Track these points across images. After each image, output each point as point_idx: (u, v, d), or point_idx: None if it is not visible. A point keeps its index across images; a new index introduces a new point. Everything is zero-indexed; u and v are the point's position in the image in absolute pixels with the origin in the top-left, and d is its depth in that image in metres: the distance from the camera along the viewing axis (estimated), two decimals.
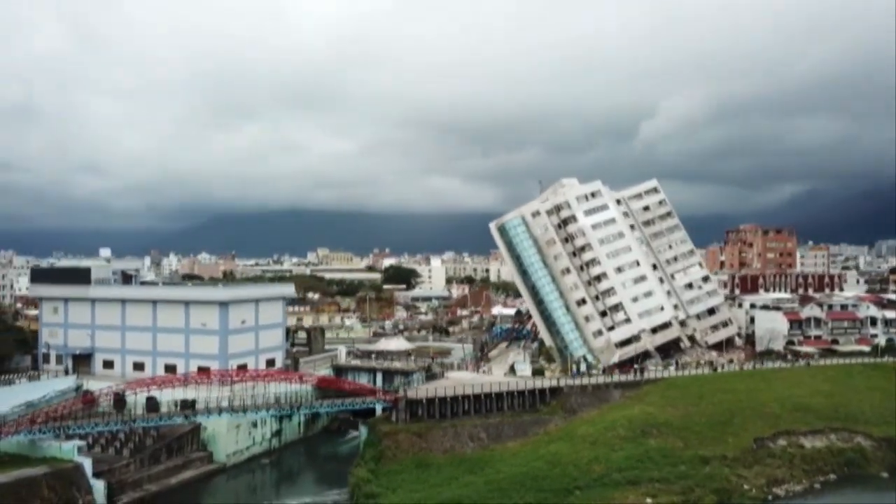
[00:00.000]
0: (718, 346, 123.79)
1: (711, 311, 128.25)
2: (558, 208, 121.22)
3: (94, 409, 79.91)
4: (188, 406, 76.02)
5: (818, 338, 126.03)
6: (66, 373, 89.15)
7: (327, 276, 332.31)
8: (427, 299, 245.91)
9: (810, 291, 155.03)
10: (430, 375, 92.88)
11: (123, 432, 74.24)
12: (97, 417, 69.99)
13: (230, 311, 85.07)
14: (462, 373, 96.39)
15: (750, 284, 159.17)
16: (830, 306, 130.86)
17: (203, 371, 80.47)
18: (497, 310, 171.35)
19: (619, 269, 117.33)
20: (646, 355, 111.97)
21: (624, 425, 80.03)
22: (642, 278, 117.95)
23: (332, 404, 77.06)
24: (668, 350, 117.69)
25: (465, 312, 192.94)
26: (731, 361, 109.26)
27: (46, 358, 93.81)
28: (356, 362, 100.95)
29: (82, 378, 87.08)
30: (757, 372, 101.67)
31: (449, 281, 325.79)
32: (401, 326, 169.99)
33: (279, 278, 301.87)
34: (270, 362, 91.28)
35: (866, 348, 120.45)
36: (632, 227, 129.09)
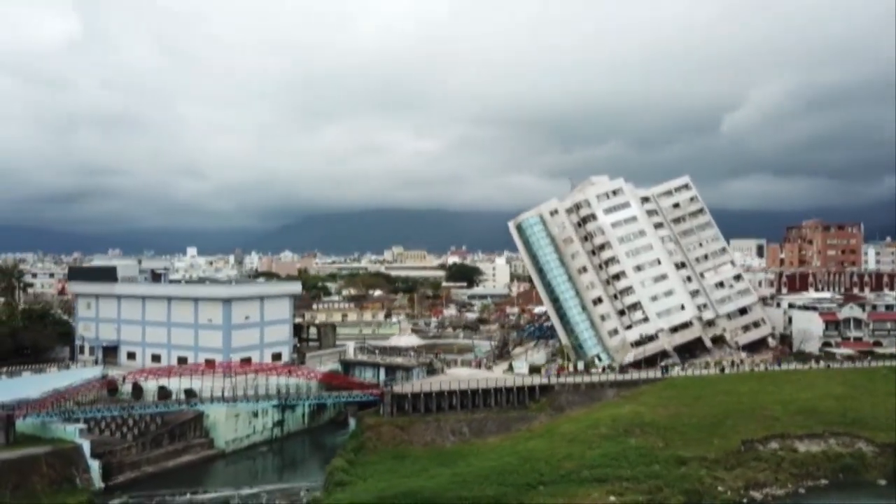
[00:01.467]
0: (750, 347, 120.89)
1: (743, 311, 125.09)
2: (578, 206, 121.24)
3: (116, 395, 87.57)
4: (191, 395, 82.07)
5: (858, 339, 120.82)
6: (95, 363, 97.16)
7: (398, 273, 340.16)
8: (483, 297, 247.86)
9: (866, 291, 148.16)
10: (431, 371, 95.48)
11: (133, 418, 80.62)
12: (104, 403, 76.53)
13: (233, 308, 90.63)
14: (464, 369, 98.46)
15: (798, 283, 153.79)
16: (874, 307, 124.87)
17: (208, 363, 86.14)
18: (540, 308, 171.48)
19: (639, 268, 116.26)
20: (664, 355, 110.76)
21: (607, 424, 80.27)
22: (663, 277, 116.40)
23: (320, 396, 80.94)
24: (693, 350, 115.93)
25: (513, 310, 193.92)
26: (753, 362, 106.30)
27: (81, 349, 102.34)
28: (362, 357, 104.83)
29: (108, 368, 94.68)
30: (769, 373, 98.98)
31: (517, 279, 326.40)
32: (445, 323, 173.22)
33: (351, 275, 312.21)
34: (277, 356, 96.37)
35: None
36: (659, 224, 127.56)
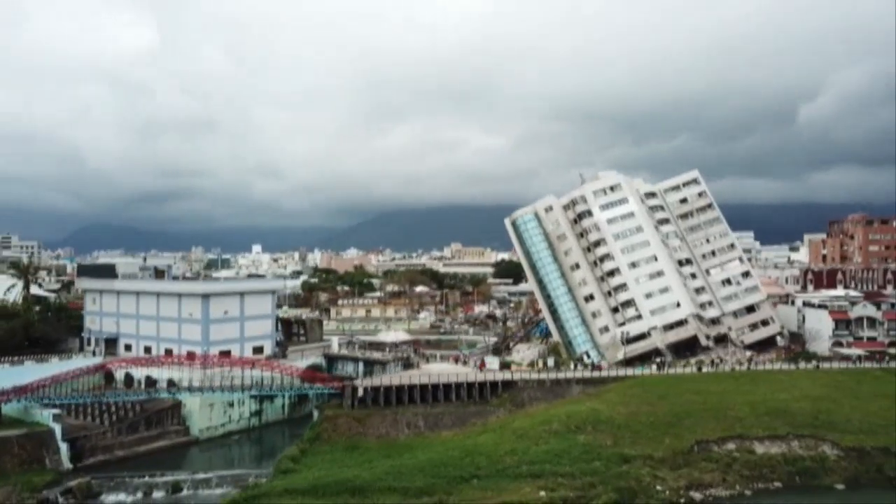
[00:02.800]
0: (758, 346, 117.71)
1: (751, 309, 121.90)
2: (574, 203, 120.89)
3: (113, 383, 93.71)
4: (171, 384, 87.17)
5: (872, 339, 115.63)
6: (94, 354, 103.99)
7: (451, 270, 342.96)
8: (524, 294, 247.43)
9: None
10: (407, 365, 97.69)
11: (116, 405, 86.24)
12: (99, 391, 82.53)
13: (211, 303, 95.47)
14: (440, 365, 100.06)
15: (826, 280, 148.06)
16: (893, 304, 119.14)
17: (189, 355, 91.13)
18: None
19: (634, 265, 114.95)
20: (656, 353, 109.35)
21: (561, 420, 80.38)
22: (659, 273, 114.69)
23: (283, 388, 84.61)
24: (694, 348, 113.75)
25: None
26: (739, 361, 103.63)
27: (88, 341, 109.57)
28: (345, 352, 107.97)
29: (108, 359, 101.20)
30: (749, 373, 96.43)
31: None
32: (471, 320, 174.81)
33: (407, 271, 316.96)
34: (258, 350, 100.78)
35: None
36: (664, 220, 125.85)
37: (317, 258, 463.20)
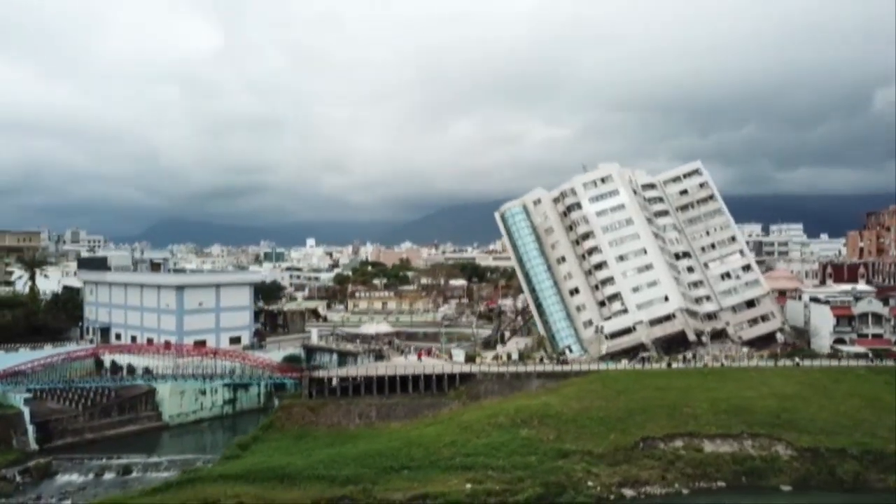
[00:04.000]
0: (757, 342, 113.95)
1: (751, 304, 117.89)
2: (563, 195, 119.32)
3: (103, 370, 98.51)
4: (148, 372, 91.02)
5: (878, 336, 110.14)
6: (91, 342, 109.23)
7: (502, 264, 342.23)
8: None
9: None
10: (379, 357, 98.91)
11: (94, 390, 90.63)
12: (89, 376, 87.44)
13: (185, 295, 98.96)
14: (411, 357, 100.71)
15: (847, 274, 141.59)
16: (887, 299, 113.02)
17: (167, 345, 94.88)
18: None
19: (622, 258, 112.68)
20: (641, 348, 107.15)
21: (509, 414, 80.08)
22: (647, 267, 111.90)
23: (242, 377, 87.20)
24: (687, 343, 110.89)
25: None
26: (727, 357, 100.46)
27: (87, 330, 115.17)
28: (321, 343, 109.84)
29: (92, 346, 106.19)
30: (719, 370, 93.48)
31: None
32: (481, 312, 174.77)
33: (443, 265, 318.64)
34: (235, 340, 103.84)
35: None
36: (663, 212, 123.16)
37: (368, 251, 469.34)
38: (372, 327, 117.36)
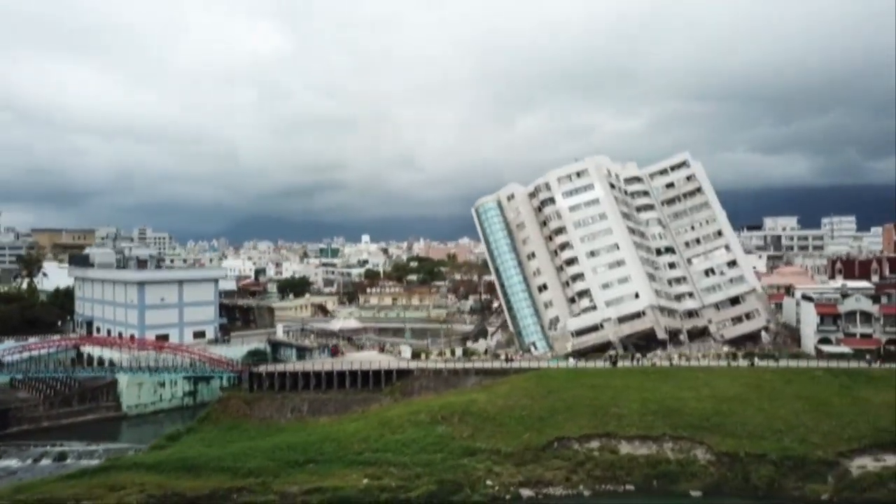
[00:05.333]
0: (741, 341, 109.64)
1: (735, 301, 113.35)
2: (538, 190, 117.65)
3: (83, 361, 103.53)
4: (111, 364, 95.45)
5: (867, 336, 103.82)
6: (78, 335, 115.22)
7: None
8: None
9: None
10: (334, 352, 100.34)
11: (61, 380, 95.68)
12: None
13: (147, 291, 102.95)
14: (365, 353, 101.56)
15: (858, 270, 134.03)
16: (890, 296, 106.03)
17: (132, 338, 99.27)
18: None
19: (593, 253, 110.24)
20: (608, 346, 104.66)
21: (431, 411, 79.85)
22: (619, 263, 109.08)
23: (185, 370, 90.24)
24: (665, 342, 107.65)
25: None
26: (680, 356, 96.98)
27: (78, 324, 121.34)
28: (284, 338, 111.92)
29: (80, 339, 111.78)
30: (664, 369, 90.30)
31: None
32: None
33: (477, 262, 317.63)
34: (200, 334, 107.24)
35: None
36: (645, 207, 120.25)
37: (420, 247, 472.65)
38: (340, 323, 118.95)
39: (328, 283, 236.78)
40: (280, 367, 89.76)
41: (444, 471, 69.28)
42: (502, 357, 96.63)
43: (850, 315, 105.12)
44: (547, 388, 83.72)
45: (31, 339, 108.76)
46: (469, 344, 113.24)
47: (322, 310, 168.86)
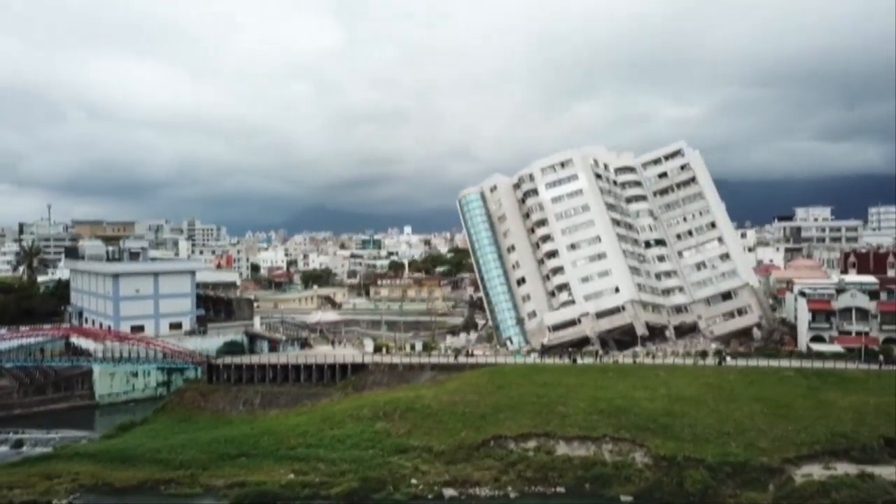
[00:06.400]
0: (732, 337, 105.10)
1: (727, 296, 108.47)
2: (522, 181, 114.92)
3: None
4: (87, 354, 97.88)
5: (863, 334, 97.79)
6: (70, 325, 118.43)
7: None
8: None
9: None
10: (303, 345, 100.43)
11: (38, 370, 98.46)
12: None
13: (121, 282, 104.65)
14: (327, 347, 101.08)
15: (873, 263, 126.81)
16: (891, 292, 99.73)
17: (110, 330, 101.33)
18: None
19: (573, 246, 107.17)
20: (586, 341, 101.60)
21: (375, 406, 78.88)
22: (600, 256, 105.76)
23: (147, 362, 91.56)
24: (653, 338, 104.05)
25: None
26: (647, 354, 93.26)
27: (72, 315, 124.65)
28: (260, 331, 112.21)
29: (69, 329, 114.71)
30: (625, 367, 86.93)
31: None
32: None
33: None
34: (176, 325, 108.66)
35: None
36: (636, 198, 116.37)
37: (459, 239, 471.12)
38: (317, 315, 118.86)
39: (352, 274, 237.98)
40: (237, 360, 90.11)
41: (372, 468, 68.27)
42: (465, 352, 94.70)
43: (846, 312, 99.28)
44: (497, 385, 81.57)
45: (23, 328, 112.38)
46: (448, 339, 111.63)
47: (330, 301, 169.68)
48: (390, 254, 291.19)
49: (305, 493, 65.39)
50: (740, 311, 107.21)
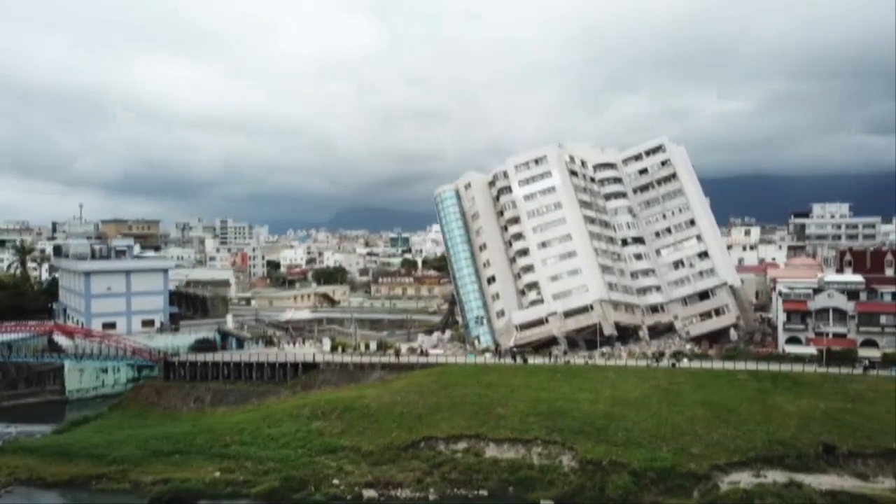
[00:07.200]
0: (709, 339, 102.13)
1: (705, 296, 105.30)
2: (496, 178, 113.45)
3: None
4: (60, 350, 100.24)
5: (840, 336, 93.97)
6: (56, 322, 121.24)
7: None
8: None
9: None
10: (269, 343, 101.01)
11: (13, 366, 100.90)
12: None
13: (92, 280, 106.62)
14: (299, 346, 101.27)
15: (871, 262, 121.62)
16: (874, 292, 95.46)
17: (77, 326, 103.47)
18: None
19: (544, 244, 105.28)
20: (554, 341, 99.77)
21: (316, 405, 78.74)
22: (570, 255, 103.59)
23: (105, 358, 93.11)
24: (626, 338, 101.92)
25: None
26: (602, 356, 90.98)
27: (59, 312, 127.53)
28: (231, 328, 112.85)
29: (51, 326, 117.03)
30: (573, 368, 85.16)
31: None
32: None
33: None
34: (148, 323, 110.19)
35: None
36: (614, 195, 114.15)
37: None
38: (289, 314, 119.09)
39: (364, 272, 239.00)
40: (192, 357, 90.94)
41: (298, 467, 68.08)
42: (417, 351, 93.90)
43: (823, 313, 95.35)
44: (442, 385, 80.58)
45: (8, 324, 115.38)
46: (420, 337, 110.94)
47: (328, 299, 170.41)
48: (405, 252, 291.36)
49: (228, 492, 65.50)
50: (717, 312, 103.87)
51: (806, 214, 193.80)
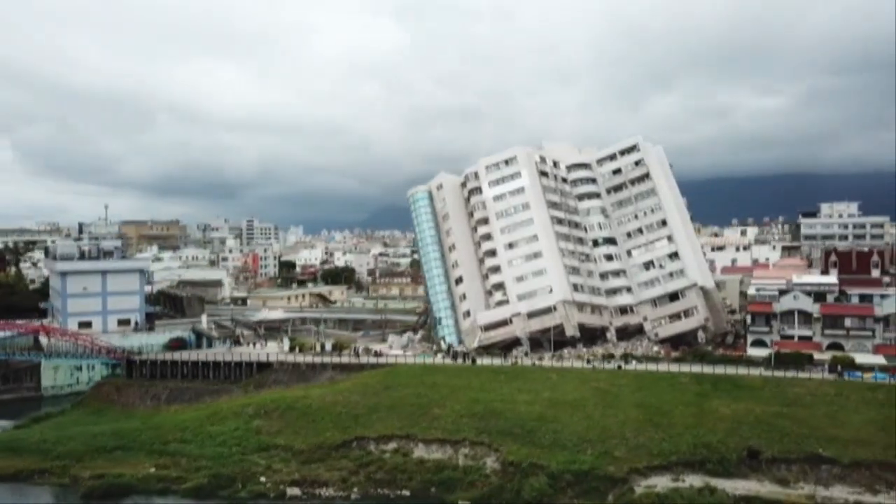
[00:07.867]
0: (676, 340, 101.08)
1: (674, 297, 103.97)
2: (467, 179, 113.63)
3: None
4: (39, 348, 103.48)
5: (805, 339, 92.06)
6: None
7: None
8: None
9: None
10: (236, 343, 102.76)
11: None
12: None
13: (69, 280, 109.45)
14: (260, 347, 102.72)
15: (856, 264, 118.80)
16: (843, 295, 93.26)
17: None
18: None
19: (511, 245, 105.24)
20: (517, 342, 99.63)
21: (260, 404, 79.95)
22: (536, 255, 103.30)
23: (76, 356, 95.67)
24: (595, 339, 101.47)
25: None
26: (552, 357, 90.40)
27: (48, 312, 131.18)
28: (204, 328, 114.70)
29: (37, 326, 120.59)
30: (517, 370, 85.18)
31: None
32: None
33: None
34: (124, 322, 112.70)
35: (881, 360, 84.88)
36: (587, 195, 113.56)
37: None
38: (263, 313, 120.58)
39: (371, 272, 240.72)
40: (153, 356, 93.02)
41: (229, 465, 69.27)
42: (373, 352, 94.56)
43: (789, 315, 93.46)
44: (386, 386, 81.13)
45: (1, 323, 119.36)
46: (390, 338, 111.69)
47: (323, 299, 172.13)
48: (413, 251, 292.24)
49: (158, 487, 66.96)
50: (686, 313, 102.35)
51: (814, 214, 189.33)
